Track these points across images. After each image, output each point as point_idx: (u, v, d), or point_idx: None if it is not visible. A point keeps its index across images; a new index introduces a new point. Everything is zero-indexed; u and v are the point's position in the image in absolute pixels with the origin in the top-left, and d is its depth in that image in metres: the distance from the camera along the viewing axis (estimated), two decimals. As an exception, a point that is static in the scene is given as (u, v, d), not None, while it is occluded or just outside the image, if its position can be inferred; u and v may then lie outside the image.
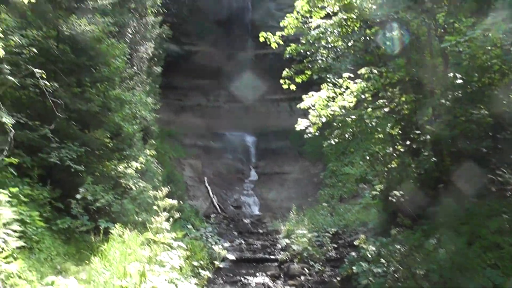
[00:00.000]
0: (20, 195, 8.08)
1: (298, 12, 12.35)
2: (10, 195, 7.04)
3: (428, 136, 9.99)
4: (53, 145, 9.72)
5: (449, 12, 10.00)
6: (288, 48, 12.33)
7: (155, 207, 6.36)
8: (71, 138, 10.21)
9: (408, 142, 10.80)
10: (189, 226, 16.20)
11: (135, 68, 18.17)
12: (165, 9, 24.27)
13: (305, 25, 13.13)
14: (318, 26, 12.69)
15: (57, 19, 10.26)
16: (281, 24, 12.45)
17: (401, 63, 11.32)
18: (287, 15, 12.47)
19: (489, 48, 8.15)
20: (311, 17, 12.96)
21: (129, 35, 17.23)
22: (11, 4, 9.75)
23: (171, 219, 6.34)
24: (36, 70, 8.84)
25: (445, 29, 10.29)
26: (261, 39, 12.42)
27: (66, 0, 10.53)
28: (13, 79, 8.29)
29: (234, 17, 36.35)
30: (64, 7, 10.57)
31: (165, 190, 6.46)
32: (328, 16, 13.04)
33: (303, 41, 12.20)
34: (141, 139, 15.22)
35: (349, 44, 12.20)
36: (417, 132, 10.49)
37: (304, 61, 12.39)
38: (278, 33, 12.18)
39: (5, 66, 8.19)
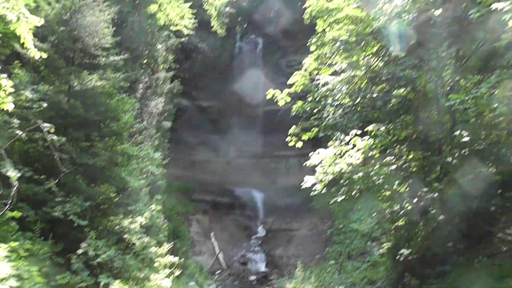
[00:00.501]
0: (20, 250, 7.96)
1: (306, 70, 12.67)
2: (9, 249, 6.96)
3: (436, 194, 9.81)
4: (58, 199, 9.70)
5: (454, 70, 10.17)
6: (295, 106, 12.57)
7: (156, 264, 6.21)
8: (77, 192, 10.20)
9: (416, 200, 10.62)
10: (192, 283, 15.73)
11: (144, 122, 18.51)
12: (177, 64, 25.16)
13: (313, 82, 13.47)
14: (326, 83, 13.02)
15: (69, 74, 10.63)
16: (289, 82, 12.73)
17: (408, 120, 11.37)
18: (295, 72, 12.80)
19: (496, 105, 8.17)
20: (319, 74, 13.33)
21: (140, 90, 17.72)
22: (25, 59, 10.15)
23: (172, 276, 6.17)
24: (45, 124, 8.99)
25: (451, 86, 10.42)
26: (269, 96, 12.68)
27: (79, 56, 10.93)
28: (21, 132, 8.44)
29: (244, 73, 37.45)
30: (77, 62, 10.97)
31: (167, 246, 6.33)
32: (335, 73, 13.41)
33: (310, 99, 12.40)
34: (147, 193, 15.17)
35: (357, 101, 12.36)
36: (425, 190, 10.33)
37: (312, 118, 12.51)
38: (286, 90, 12.43)
39: (15, 120, 8.37)
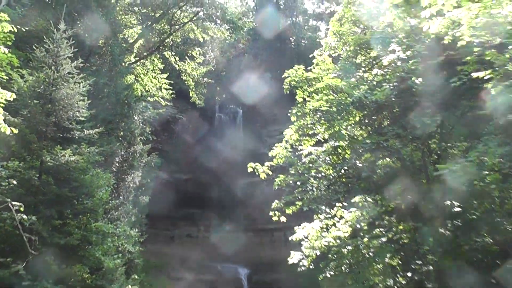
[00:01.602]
0: None
1: (287, 141, 12.77)
2: None
3: (431, 267, 9.55)
4: (25, 283, 9.11)
5: (441, 138, 10.33)
6: (277, 180, 12.61)
7: None
8: (47, 274, 9.64)
9: (410, 274, 10.30)
10: None
11: (121, 198, 18.10)
12: (154, 136, 25.21)
13: (295, 153, 13.57)
14: (310, 153, 13.12)
15: (41, 149, 10.43)
16: (270, 154, 12.80)
17: (396, 190, 11.31)
18: (276, 145, 12.89)
19: (487, 173, 8.17)
20: (300, 145, 13.46)
21: (116, 163, 17.50)
22: (-5, 136, 9.94)
23: None
24: (14, 203, 8.63)
25: (439, 154, 10.53)
26: (249, 170, 12.65)
27: (52, 130, 10.79)
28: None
29: (226, 146, 37.85)
30: (50, 137, 10.80)
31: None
32: (318, 144, 13.56)
33: (293, 171, 12.40)
34: (123, 273, 14.43)
35: (341, 172, 12.37)
36: (419, 262, 10.06)
37: (295, 191, 12.42)
38: (267, 164, 12.45)
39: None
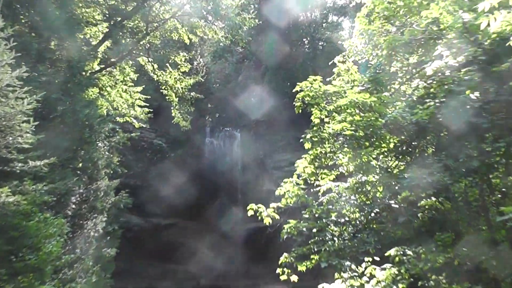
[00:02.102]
0: None
1: (299, 176, 12.74)
2: None
3: None
4: None
5: (506, 170, 10.15)
6: (286, 226, 12.47)
7: None
8: None
9: None
10: None
11: (77, 251, 17.87)
12: (124, 168, 25.13)
13: (310, 191, 13.51)
14: (330, 191, 13.08)
15: (-29, 188, 10.31)
16: (277, 193, 12.77)
17: (446, 240, 11.13)
18: (284, 180, 12.85)
19: None
20: (317, 180, 13.42)
21: (72, 205, 17.35)
22: None
23: None
24: None
25: (503, 192, 10.35)
26: (250, 213, 12.56)
27: (-15, 164, 10.72)
28: None
29: (221, 180, 38.00)
30: (-17, 172, 10.73)
31: None
32: (340, 178, 13.50)
33: (307, 215, 12.31)
34: None
35: (371, 215, 12.23)
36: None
37: (310, 241, 12.29)
38: (273, 205, 12.38)
39: None
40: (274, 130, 39.32)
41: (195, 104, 31.37)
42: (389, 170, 12.08)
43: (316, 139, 12.84)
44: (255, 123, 41.87)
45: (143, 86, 26.96)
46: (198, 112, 37.39)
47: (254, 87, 43.86)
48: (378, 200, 12.06)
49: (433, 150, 11.49)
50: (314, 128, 13.16)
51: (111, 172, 22.52)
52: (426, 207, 11.45)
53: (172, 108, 28.70)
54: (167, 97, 28.30)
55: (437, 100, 10.77)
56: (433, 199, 11.23)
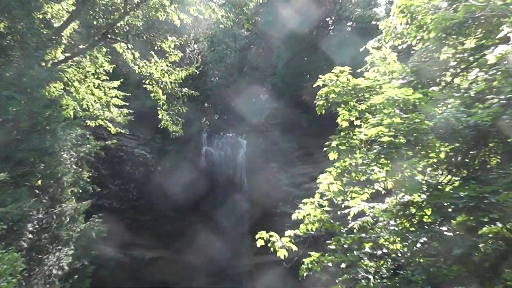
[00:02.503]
0: None
1: (322, 195, 12.69)
2: None
3: None
4: None
5: None
6: (307, 261, 12.60)
7: None
8: None
9: None
10: None
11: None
12: (97, 186, 25.03)
13: (337, 214, 13.48)
14: (362, 215, 13.09)
15: None
16: (294, 217, 12.68)
17: (514, 280, 10.96)
18: (304, 200, 12.81)
19: None
20: (346, 200, 13.38)
21: (29, 235, 17.27)
22: None
23: None
24: None
25: None
26: (260, 243, 12.47)
27: None
28: None
29: (222, 200, 38.04)
30: None
31: None
32: (376, 197, 13.42)
33: (333, 245, 12.21)
34: None
35: (416, 246, 12.09)
36: None
37: (337, 281, 12.18)
38: (289, 233, 12.30)
39: None
40: (290, 136, 39.28)
41: (189, 103, 31.22)
42: (439, 187, 11.91)
43: (344, 147, 12.76)
44: (265, 127, 41.91)
45: (121, 80, 26.93)
46: (192, 114, 37.32)
47: (263, 81, 43.83)
48: (426, 227, 11.88)
49: (498, 160, 11.32)
50: (342, 134, 13.11)
51: (80, 191, 22.42)
52: (490, 235, 11.26)
53: (158, 108, 28.62)
54: (152, 95, 28.21)
55: (502, 96, 10.61)
56: (499, 225, 11.05)
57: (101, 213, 24.90)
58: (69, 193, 21.25)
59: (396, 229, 12.64)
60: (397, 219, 12.57)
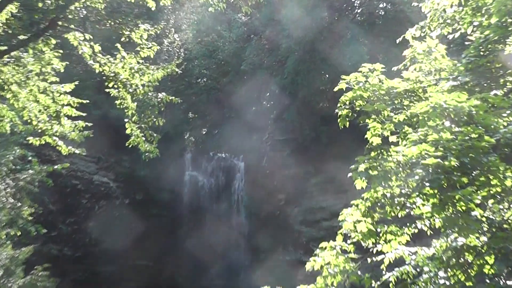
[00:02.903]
0: None
1: (346, 237, 12.74)
2: None
3: None
4: None
5: None
6: None
7: None
8: None
9: None
10: None
11: None
12: (42, 227, 24.98)
13: (366, 263, 13.55)
14: (400, 262, 13.28)
15: None
16: (309, 266, 13.06)
17: None
18: (321, 245, 13.07)
19: None
20: (378, 243, 13.44)
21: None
22: None
23: None
24: None
25: None
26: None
27: None
28: None
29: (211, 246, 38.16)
30: None
31: None
32: (418, 239, 13.41)
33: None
34: None
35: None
36: None
37: None
38: None
39: None
40: (304, 157, 39.32)
41: (167, 113, 31.14)
42: (505, 226, 11.90)
43: (375, 172, 12.67)
44: (270, 144, 41.89)
45: (76, 82, 26.92)
46: (172, 127, 37.40)
47: (267, 83, 43.87)
48: (488, 280, 11.88)
49: None
50: (372, 154, 13.02)
51: (19, 233, 22.41)
52: None
53: (126, 120, 28.59)
54: (117, 102, 28.18)
55: None
56: None
57: (47, 264, 24.86)
58: (4, 236, 21.21)
59: (447, 283, 12.59)
60: (448, 270, 12.54)
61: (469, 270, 12.37)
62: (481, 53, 14.13)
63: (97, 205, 39.40)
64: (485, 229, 12.01)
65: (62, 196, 34.75)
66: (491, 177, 11.93)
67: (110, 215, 39.32)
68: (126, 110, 28.22)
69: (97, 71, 27.40)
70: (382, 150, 13.03)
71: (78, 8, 26.18)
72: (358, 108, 13.35)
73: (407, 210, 12.91)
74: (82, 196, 38.63)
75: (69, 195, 36.96)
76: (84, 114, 27.04)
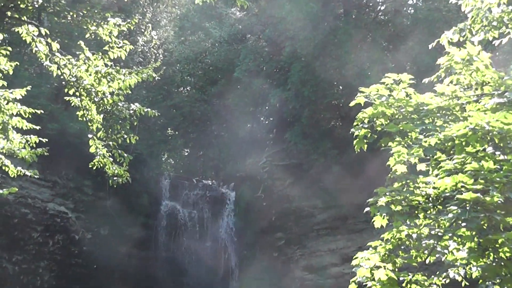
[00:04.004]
0: None
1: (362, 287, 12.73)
2: None
3: None
4: None
5: None
6: None
7: None
8: None
9: None
10: None
11: None
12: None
13: None
14: None
15: None
16: None
17: None
18: None
19: None
20: None
21: None
22: None
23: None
24: None
25: None
26: None
27: None
28: None
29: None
30: None
31: None
32: None
33: None
34: None
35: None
36: None
37: None
38: None
39: None
40: (310, 189, 39.25)
41: (141, 129, 31.07)
42: None
43: (398, 207, 12.60)
44: (267, 170, 41.82)
45: (29, 88, 26.93)
46: (146, 147, 37.46)
47: (266, 94, 43.93)
48: None
49: None
50: (395, 185, 12.92)
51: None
52: None
53: (90, 136, 28.60)
54: (79, 113, 28.19)
55: None
56: None
57: None
58: None
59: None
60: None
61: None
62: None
63: (52, 241, 39.02)
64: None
65: (8, 227, 34.69)
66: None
67: (67, 253, 39.05)
68: (90, 124, 28.12)
69: (54, 74, 27.38)
70: (408, 181, 12.93)
71: (34, -5, 26.30)
72: (379, 128, 13.25)
73: (437, 256, 12.86)
74: (33, 229, 38.36)
75: (17, 227, 36.77)
76: (37, 128, 26.98)
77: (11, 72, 26.40)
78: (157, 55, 43.56)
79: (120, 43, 27.90)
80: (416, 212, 12.57)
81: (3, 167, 26.73)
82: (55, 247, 38.91)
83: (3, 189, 25.33)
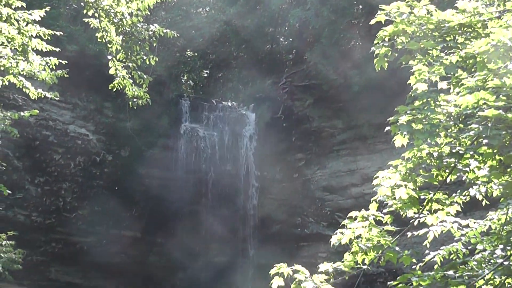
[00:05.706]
0: None
1: (381, 206, 12.74)
2: None
3: None
4: None
5: None
6: None
7: None
8: None
9: None
10: None
11: None
12: (6, 188, 25.07)
13: (405, 236, 13.59)
14: (448, 237, 13.20)
15: None
16: (335, 241, 12.97)
17: None
18: (350, 214, 13.09)
19: None
20: (421, 213, 13.38)
21: None
22: None
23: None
24: None
25: None
26: (277, 283, 12.55)
27: None
28: None
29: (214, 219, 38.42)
30: None
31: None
32: (472, 209, 13.41)
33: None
34: None
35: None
36: None
37: None
38: (326, 267, 12.42)
39: None
40: (328, 109, 39.09)
41: (161, 50, 30.93)
42: None
43: (419, 126, 12.49)
44: (286, 90, 41.68)
45: (47, 9, 26.77)
46: (165, 69, 37.31)
47: (284, 14, 43.71)
48: None
49: None
50: (416, 103, 12.81)
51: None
52: None
53: (109, 58, 28.51)
54: (98, 35, 28.08)
55: None
56: None
57: (12, 231, 24.99)
58: None
59: (506, 263, 12.57)
60: (508, 248, 12.53)
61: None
62: None
63: (73, 162, 39.09)
64: None
65: (30, 150, 34.74)
66: None
67: (88, 174, 39.13)
68: (109, 46, 28.02)
69: (71, -2, 27.30)
70: (429, 99, 12.84)
71: None
72: (399, 46, 13.14)
73: (458, 174, 12.83)
74: (55, 151, 38.40)
75: (39, 149, 36.85)
76: (57, 49, 26.88)
77: (28, -1, 26.22)
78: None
79: None
80: (437, 130, 12.48)
81: (24, 89, 26.70)
82: (77, 169, 39.01)
83: (25, 111, 25.31)
